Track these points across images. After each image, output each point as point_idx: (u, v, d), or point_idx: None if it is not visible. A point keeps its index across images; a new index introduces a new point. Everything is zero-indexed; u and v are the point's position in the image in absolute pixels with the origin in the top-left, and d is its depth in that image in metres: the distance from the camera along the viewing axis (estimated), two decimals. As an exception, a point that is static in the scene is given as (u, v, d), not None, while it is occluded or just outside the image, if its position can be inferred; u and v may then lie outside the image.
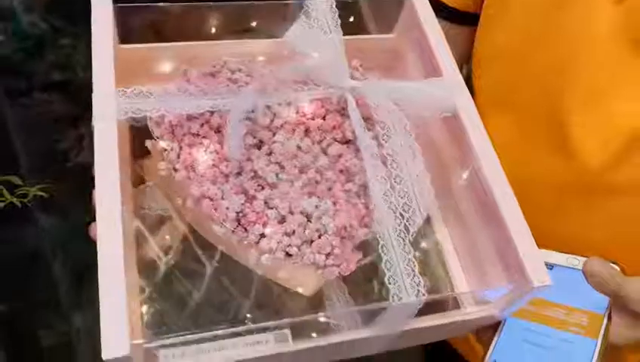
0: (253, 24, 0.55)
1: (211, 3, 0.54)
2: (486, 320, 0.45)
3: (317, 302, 0.47)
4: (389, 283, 0.39)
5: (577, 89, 0.51)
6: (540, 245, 0.53)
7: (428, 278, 0.50)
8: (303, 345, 0.42)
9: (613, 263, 0.50)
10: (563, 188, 0.54)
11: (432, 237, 0.52)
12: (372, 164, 0.44)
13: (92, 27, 0.45)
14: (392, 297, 0.39)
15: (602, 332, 0.46)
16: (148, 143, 0.46)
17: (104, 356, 0.33)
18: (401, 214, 0.42)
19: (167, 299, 0.46)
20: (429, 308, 0.44)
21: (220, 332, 0.42)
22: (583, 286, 0.48)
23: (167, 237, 0.48)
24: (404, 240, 0.41)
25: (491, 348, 0.46)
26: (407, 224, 0.42)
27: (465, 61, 0.62)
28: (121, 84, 0.50)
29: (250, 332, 0.43)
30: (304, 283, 0.46)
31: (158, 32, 0.53)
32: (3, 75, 1.12)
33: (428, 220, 0.52)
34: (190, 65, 0.51)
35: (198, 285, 0.47)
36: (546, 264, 0.51)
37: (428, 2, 0.53)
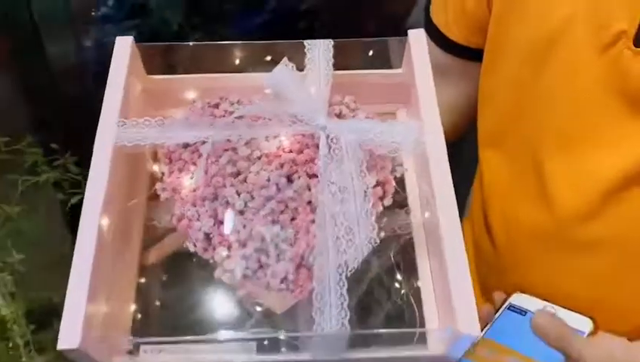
0: (268, 58, 0.60)
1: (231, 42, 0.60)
2: (430, 359, 0.46)
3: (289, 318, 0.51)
4: (315, 314, 0.42)
5: (556, 136, 0.50)
6: (521, 290, 0.53)
7: (400, 311, 0.52)
8: (263, 358, 0.46)
9: (590, 318, 0.49)
10: (543, 237, 0.52)
11: (415, 273, 0.53)
12: (329, 199, 0.47)
13: (111, 63, 0.53)
14: (316, 327, 0.42)
15: (550, 387, 0.45)
16: (148, 166, 0.53)
17: (58, 346, 0.41)
18: (344, 250, 0.45)
19: (155, 301, 0.53)
20: (389, 341, 0.47)
21: (188, 338, 0.48)
22: None
23: (168, 245, 0.55)
24: (340, 275, 0.44)
25: (437, 389, 0.47)
26: (347, 259, 0.44)
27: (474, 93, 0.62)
28: (148, 108, 0.58)
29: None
30: (271, 303, 0.50)
31: (182, 66, 0.60)
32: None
33: (412, 253, 0.54)
34: (204, 95, 0.57)
35: (185, 291, 0.53)
36: (521, 309, 0.52)
37: (425, 42, 0.55)
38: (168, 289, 0.54)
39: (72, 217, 0.86)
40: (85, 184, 0.84)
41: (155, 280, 0.54)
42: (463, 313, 0.42)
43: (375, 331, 0.46)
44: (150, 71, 0.59)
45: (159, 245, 0.55)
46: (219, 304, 0.52)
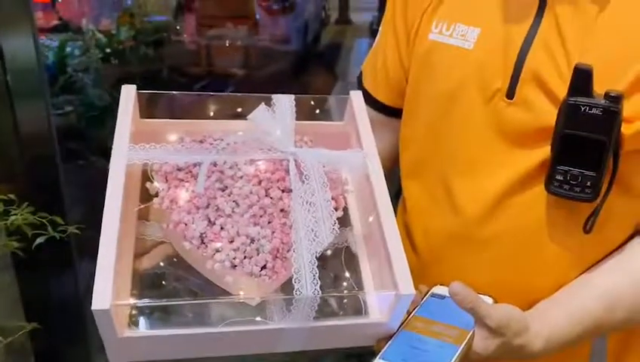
0: (239, 110, 0.76)
1: (211, 93, 0.76)
2: (376, 327, 0.61)
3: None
4: (295, 282, 0.56)
5: (459, 164, 0.69)
6: (439, 283, 0.69)
7: (347, 289, 0.66)
8: (237, 328, 0.58)
9: (491, 296, 0.66)
10: (454, 239, 0.71)
11: (356, 261, 0.68)
12: (299, 206, 0.62)
13: (119, 105, 0.67)
14: (296, 291, 0.56)
15: (465, 341, 0.60)
16: (147, 185, 0.66)
17: (92, 307, 0.51)
18: (313, 238, 0.59)
19: (149, 288, 0.64)
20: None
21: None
22: (462, 311, 0.63)
23: (156, 255, 0.66)
24: (312, 256, 0.58)
25: (383, 350, 0.61)
26: (316, 245, 0.59)
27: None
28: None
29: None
30: (252, 290, 0.62)
31: (169, 111, 0.75)
32: (65, 139, 1.39)
33: (355, 258, 0.69)
34: (188, 135, 0.71)
35: (171, 285, 0.65)
36: (441, 296, 0.68)
37: (362, 99, 0.73)
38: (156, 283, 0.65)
39: (37, 254, 0.93)
40: (48, 228, 0.93)
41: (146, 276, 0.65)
42: (402, 279, 0.57)
43: (338, 294, 0.60)
44: (142, 115, 0.73)
45: (148, 255, 0.66)
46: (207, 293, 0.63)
